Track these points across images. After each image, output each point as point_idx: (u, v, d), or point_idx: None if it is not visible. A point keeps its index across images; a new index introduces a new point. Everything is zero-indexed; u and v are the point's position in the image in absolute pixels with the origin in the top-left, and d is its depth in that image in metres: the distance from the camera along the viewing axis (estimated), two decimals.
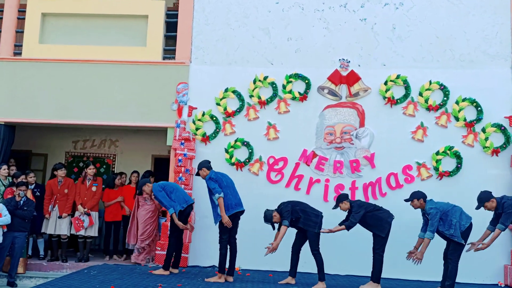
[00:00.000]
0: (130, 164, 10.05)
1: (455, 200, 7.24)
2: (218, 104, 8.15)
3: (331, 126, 8.01)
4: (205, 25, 8.36)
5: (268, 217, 6.38)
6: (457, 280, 6.16)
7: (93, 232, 8.04)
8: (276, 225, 6.50)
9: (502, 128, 7.74)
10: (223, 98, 8.16)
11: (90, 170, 8.10)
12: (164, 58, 8.48)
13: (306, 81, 8.07)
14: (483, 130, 7.78)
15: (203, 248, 7.72)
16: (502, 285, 7.32)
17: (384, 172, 7.84)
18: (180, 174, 7.82)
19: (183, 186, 7.78)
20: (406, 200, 6.39)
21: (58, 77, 8.33)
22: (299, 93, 8.06)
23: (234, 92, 8.15)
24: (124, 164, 10.32)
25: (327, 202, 7.82)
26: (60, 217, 7.81)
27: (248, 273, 7.13)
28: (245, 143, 8.01)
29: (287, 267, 6.71)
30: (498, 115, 7.82)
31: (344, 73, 8.08)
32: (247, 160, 7.99)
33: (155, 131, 9.23)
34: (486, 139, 7.75)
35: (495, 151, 7.72)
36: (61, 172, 7.96)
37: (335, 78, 8.06)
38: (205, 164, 6.55)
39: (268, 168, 7.99)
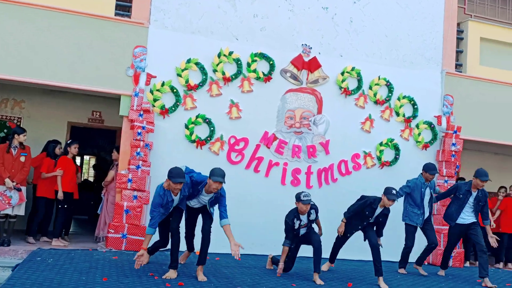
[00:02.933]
0: (40, 131, 8.66)
1: (393, 186, 8.03)
2: (179, 75, 7.51)
3: (292, 110, 8.06)
4: None
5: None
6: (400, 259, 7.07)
7: (21, 211, 6.77)
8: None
9: (432, 126, 8.76)
10: (185, 69, 7.54)
11: (22, 137, 6.76)
12: (117, 15, 7.43)
13: (271, 62, 7.94)
14: (417, 126, 8.70)
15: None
16: (425, 263, 8.37)
17: (336, 159, 8.23)
18: (138, 149, 7.05)
19: (140, 162, 7.04)
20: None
21: None
22: (263, 73, 7.90)
23: (197, 64, 7.60)
24: (32, 130, 8.82)
25: (284, 185, 7.92)
26: None
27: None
28: (207, 120, 7.57)
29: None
30: (430, 114, 8.81)
31: (307, 59, 8.16)
32: (208, 138, 7.58)
33: (73, 93, 8.12)
34: (419, 134, 8.70)
35: (425, 146, 8.72)
36: None
37: (298, 62, 8.10)
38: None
39: (228, 148, 7.71)
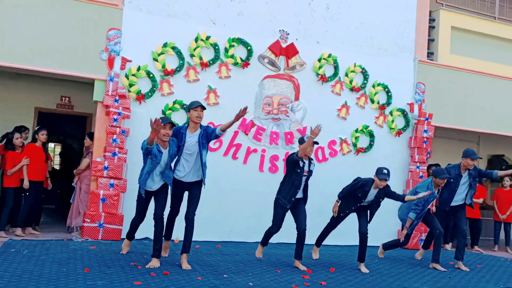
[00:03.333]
0: (5, 117, 8.29)
1: (367, 173, 8.16)
2: (155, 59, 7.31)
3: (269, 96, 8.01)
4: None
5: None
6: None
7: None
8: None
9: (405, 113, 8.93)
10: (162, 53, 7.34)
11: None
12: None
13: (249, 47, 7.85)
14: (391, 113, 8.84)
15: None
16: None
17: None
18: (114, 136, 6.83)
19: (116, 149, 6.84)
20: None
21: None
22: (241, 59, 7.80)
23: (173, 48, 7.41)
24: None
25: (262, 172, 7.90)
26: None
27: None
28: (184, 106, 7.41)
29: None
30: (403, 101, 8.97)
31: (284, 45, 8.10)
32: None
33: (41, 77, 7.80)
34: (392, 121, 8.84)
35: (398, 133, 8.88)
36: None
37: (276, 48, 8.03)
38: None
39: None
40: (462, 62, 9.60)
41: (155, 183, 5.21)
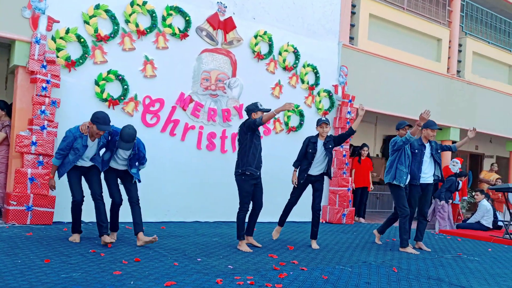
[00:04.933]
0: None
1: (298, 150, 8.40)
2: (86, 22, 6.51)
3: (207, 71, 7.67)
4: None
5: None
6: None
7: None
8: None
9: (330, 94, 9.24)
10: (94, 16, 6.56)
11: None
12: None
13: (187, 18, 7.40)
14: (318, 94, 9.08)
15: (65, 201, 6.21)
16: (323, 222, 8.94)
17: None
18: (43, 107, 5.95)
19: (46, 122, 5.99)
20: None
21: None
22: (179, 29, 7.33)
23: (107, 12, 6.67)
24: None
25: (200, 149, 7.59)
26: None
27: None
28: (120, 77, 6.75)
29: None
30: (329, 83, 9.26)
31: (222, 18, 7.80)
32: (122, 98, 6.79)
33: None
34: (320, 102, 9.10)
35: (325, 113, 9.17)
36: None
37: (214, 21, 7.70)
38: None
39: (143, 109, 7.02)
40: (377, 48, 10.19)
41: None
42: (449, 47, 11.92)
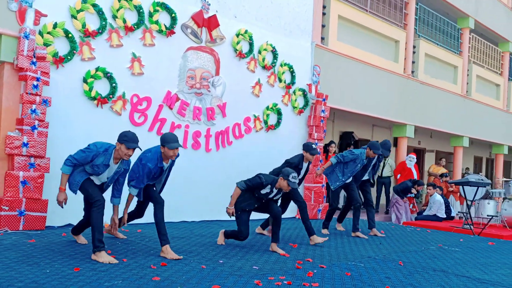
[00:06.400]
0: None
1: (276, 148, 8.66)
2: (74, 17, 6.21)
3: (193, 69, 7.59)
4: None
5: None
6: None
7: None
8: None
9: (305, 93, 9.46)
10: (81, 10, 6.28)
11: None
12: None
13: (173, 14, 7.27)
14: (294, 93, 9.27)
15: (53, 205, 5.91)
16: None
17: (231, 122, 8.16)
18: (34, 106, 5.62)
19: (36, 122, 5.66)
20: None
21: None
22: (166, 26, 7.19)
23: (94, 6, 6.40)
24: None
25: (186, 148, 7.50)
26: None
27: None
28: (108, 74, 6.51)
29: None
30: (303, 82, 9.47)
31: (206, 16, 7.74)
32: (110, 96, 6.55)
33: None
34: (295, 100, 9.29)
35: (300, 111, 9.38)
36: None
37: (199, 19, 7.62)
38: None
39: (131, 107, 6.82)
40: (346, 49, 10.56)
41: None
42: (405, 49, 12.57)
